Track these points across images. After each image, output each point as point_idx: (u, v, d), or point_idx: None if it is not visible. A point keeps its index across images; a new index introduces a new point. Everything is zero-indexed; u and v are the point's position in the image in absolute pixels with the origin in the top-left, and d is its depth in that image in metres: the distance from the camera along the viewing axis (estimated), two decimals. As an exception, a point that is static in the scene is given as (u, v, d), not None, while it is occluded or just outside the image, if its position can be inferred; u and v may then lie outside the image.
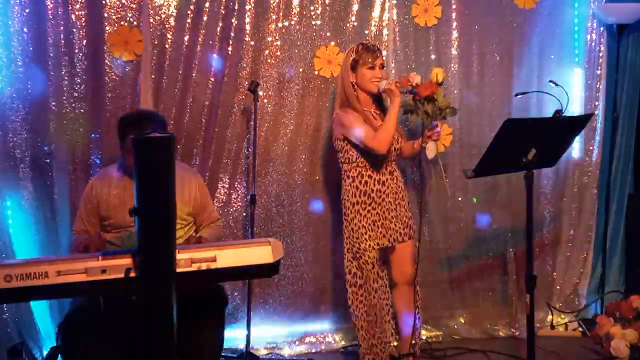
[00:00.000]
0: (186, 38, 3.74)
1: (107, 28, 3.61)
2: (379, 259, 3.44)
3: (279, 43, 3.90)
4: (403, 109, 3.39)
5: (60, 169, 3.60)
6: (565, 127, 3.16)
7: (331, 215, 4.06)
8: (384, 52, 3.92)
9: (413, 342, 3.53)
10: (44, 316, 3.60)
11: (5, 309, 3.51)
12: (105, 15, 3.61)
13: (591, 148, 4.44)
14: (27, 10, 3.50)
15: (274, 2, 3.86)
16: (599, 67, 4.39)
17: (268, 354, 3.94)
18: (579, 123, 3.31)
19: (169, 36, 3.72)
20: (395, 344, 3.63)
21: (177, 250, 2.21)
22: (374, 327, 3.40)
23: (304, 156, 4.00)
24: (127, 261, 2.21)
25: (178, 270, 2.20)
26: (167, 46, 3.72)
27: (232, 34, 3.81)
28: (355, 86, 3.35)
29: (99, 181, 3.23)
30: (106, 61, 3.62)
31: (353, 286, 3.40)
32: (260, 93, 3.83)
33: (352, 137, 3.29)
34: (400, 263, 3.47)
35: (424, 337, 4.09)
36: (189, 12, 3.72)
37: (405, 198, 3.46)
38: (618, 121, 4.42)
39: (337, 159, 3.45)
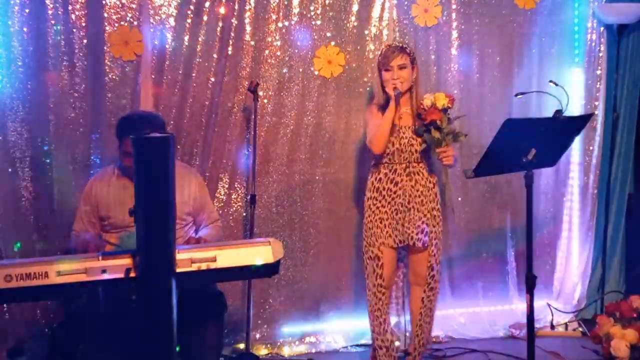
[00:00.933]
0: (186, 38, 3.74)
1: (107, 28, 3.61)
2: (393, 258, 3.45)
3: (279, 43, 3.90)
4: (416, 131, 3.35)
5: (60, 169, 3.60)
6: (565, 127, 3.16)
7: (331, 215, 4.06)
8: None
9: (417, 342, 3.54)
10: (44, 316, 3.59)
11: (5, 309, 3.51)
12: (105, 15, 3.61)
13: (591, 148, 4.44)
14: (27, 10, 3.49)
15: (274, 2, 3.86)
16: (599, 67, 4.40)
17: (268, 354, 3.94)
18: (579, 123, 3.31)
19: (169, 36, 3.72)
20: (397, 343, 3.65)
21: (177, 250, 2.21)
22: (373, 322, 3.43)
23: (304, 156, 3.99)
24: (127, 261, 2.21)
25: (178, 270, 2.20)
26: (167, 46, 3.72)
27: (232, 34, 3.81)
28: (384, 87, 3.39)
29: (98, 181, 3.23)
30: (106, 61, 3.62)
31: (366, 279, 3.46)
32: (260, 93, 3.83)
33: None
34: (413, 265, 3.48)
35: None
36: (189, 12, 3.72)
37: (426, 203, 3.39)
38: (618, 121, 4.42)
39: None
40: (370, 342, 3.67)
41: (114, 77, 3.65)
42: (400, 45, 3.39)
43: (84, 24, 3.58)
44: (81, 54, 3.59)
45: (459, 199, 4.26)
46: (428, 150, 3.35)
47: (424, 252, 3.43)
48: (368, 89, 3.98)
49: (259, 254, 2.33)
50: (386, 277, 3.41)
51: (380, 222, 3.37)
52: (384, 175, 3.38)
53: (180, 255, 2.23)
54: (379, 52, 3.43)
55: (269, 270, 2.38)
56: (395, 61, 3.31)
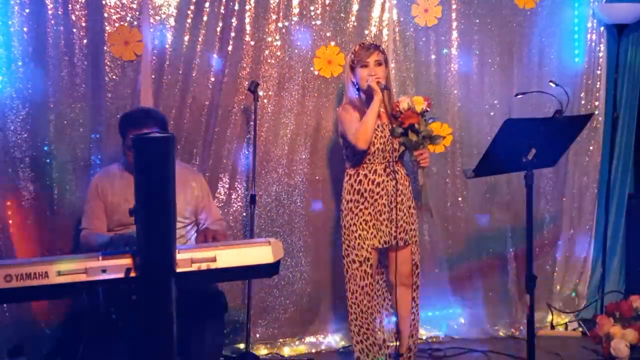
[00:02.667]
0: (186, 38, 3.74)
1: (107, 28, 3.61)
2: (377, 259, 3.45)
3: (279, 43, 3.90)
4: (392, 133, 3.35)
5: (60, 169, 3.60)
6: (565, 127, 3.17)
7: (331, 215, 4.06)
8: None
9: (409, 344, 3.54)
10: (44, 316, 3.60)
11: (5, 309, 3.51)
12: (105, 15, 3.60)
13: (591, 148, 4.44)
14: (27, 10, 3.49)
15: (274, 2, 3.86)
16: (599, 67, 4.40)
17: (268, 354, 3.94)
18: (579, 123, 3.31)
19: (169, 36, 3.72)
20: (396, 343, 3.64)
21: (177, 250, 2.21)
22: (358, 325, 3.42)
23: (304, 156, 4.00)
24: (127, 261, 2.20)
25: (178, 270, 2.20)
26: (167, 46, 3.72)
27: (232, 34, 3.81)
28: (357, 85, 3.38)
29: (102, 179, 3.24)
30: (106, 61, 3.62)
31: (347, 283, 3.44)
32: (260, 93, 3.83)
33: (345, 134, 3.33)
34: (397, 264, 3.46)
35: (423, 337, 4.10)
36: (189, 12, 3.72)
37: (406, 202, 3.41)
38: (618, 121, 4.42)
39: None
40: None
41: (114, 77, 3.65)
42: (375, 43, 3.42)
43: (84, 24, 3.58)
44: (81, 54, 3.59)
45: (459, 199, 4.26)
46: (405, 153, 3.35)
47: (406, 250, 3.43)
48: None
49: (259, 254, 2.33)
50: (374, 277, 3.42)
51: (365, 224, 3.36)
52: (364, 177, 3.37)
53: (180, 255, 2.22)
54: (352, 52, 3.41)
55: (269, 270, 2.37)
56: (372, 57, 3.32)
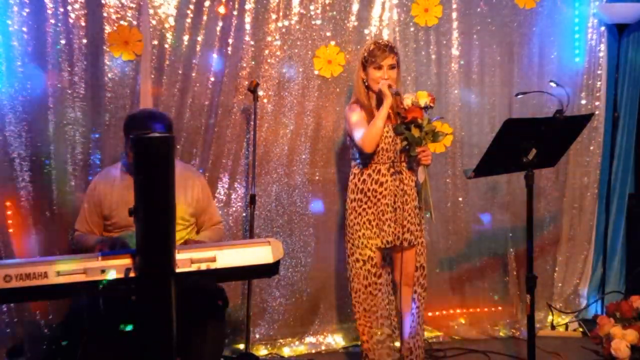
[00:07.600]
0: (186, 38, 3.73)
1: (107, 28, 3.60)
2: (381, 258, 3.45)
3: (279, 43, 3.90)
4: (395, 129, 3.32)
5: (60, 169, 3.59)
6: (565, 127, 3.16)
7: (331, 215, 4.06)
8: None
9: (410, 345, 3.53)
10: (44, 316, 3.59)
11: (5, 309, 3.51)
12: (105, 15, 3.60)
13: (591, 148, 4.44)
14: (26, 10, 3.49)
15: (274, 2, 3.86)
16: (600, 67, 4.40)
17: (268, 354, 3.94)
18: (579, 123, 3.31)
19: (168, 36, 3.71)
20: (397, 343, 3.65)
21: (177, 250, 2.21)
22: (362, 324, 3.42)
23: (304, 156, 3.99)
24: (126, 261, 2.20)
25: (178, 270, 2.20)
26: (167, 46, 3.71)
27: (232, 34, 3.81)
28: (367, 84, 3.36)
29: (102, 181, 3.23)
30: (106, 61, 3.61)
31: (351, 282, 3.44)
32: (260, 93, 3.83)
33: (351, 134, 3.32)
34: (402, 265, 3.46)
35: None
36: (188, 12, 3.72)
37: (410, 202, 3.38)
38: (618, 121, 4.42)
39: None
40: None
41: (113, 77, 3.64)
42: (390, 44, 3.36)
43: (83, 24, 3.58)
44: (81, 54, 3.58)
45: (459, 199, 4.26)
46: (407, 149, 3.34)
47: (411, 251, 3.42)
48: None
49: (258, 254, 2.33)
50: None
51: (369, 224, 3.35)
52: (368, 176, 3.35)
53: (180, 255, 2.22)
54: (365, 49, 3.35)
55: (269, 270, 2.38)
56: (386, 61, 3.28)
